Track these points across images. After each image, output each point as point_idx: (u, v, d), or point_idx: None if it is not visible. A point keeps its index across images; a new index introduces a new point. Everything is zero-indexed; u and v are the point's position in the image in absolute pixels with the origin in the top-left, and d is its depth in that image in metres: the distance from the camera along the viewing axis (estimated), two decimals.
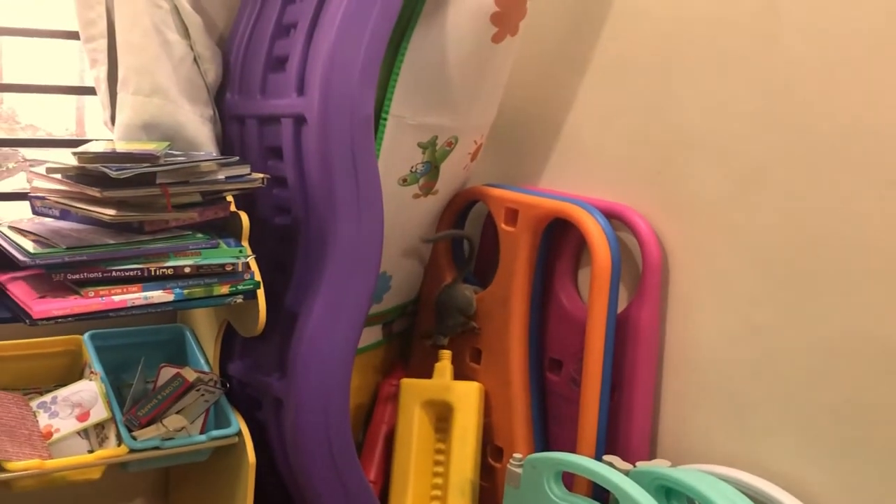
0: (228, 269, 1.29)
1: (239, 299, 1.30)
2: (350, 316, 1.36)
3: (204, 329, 1.52)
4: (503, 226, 1.52)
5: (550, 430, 1.54)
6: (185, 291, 1.25)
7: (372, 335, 1.64)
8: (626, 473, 1.24)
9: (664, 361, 1.40)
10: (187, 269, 1.26)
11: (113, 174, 1.18)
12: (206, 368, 1.45)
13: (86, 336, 1.45)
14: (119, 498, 1.69)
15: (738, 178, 1.28)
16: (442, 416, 1.56)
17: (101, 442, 1.34)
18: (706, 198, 1.33)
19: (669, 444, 1.39)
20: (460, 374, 1.58)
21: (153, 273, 1.23)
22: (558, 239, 1.52)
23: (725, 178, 1.30)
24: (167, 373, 1.38)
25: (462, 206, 1.63)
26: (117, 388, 1.41)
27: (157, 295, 1.23)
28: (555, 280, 1.53)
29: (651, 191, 1.41)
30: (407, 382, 1.58)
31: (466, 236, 1.64)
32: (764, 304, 1.26)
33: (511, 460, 1.36)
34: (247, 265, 1.31)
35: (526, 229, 1.48)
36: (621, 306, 1.41)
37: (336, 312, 1.35)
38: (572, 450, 1.39)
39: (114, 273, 1.21)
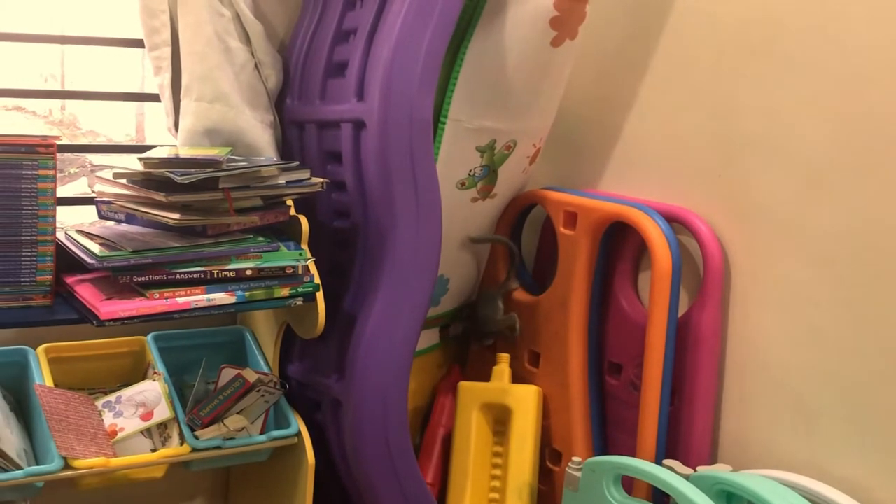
0: (289, 271, 1.30)
1: (299, 301, 1.32)
2: (408, 319, 1.36)
3: (264, 331, 1.53)
4: (562, 229, 1.52)
5: (609, 435, 1.53)
6: (247, 294, 1.27)
7: (429, 338, 1.65)
8: (687, 478, 1.23)
9: (725, 365, 1.38)
10: (249, 272, 1.28)
11: (178, 179, 1.20)
12: (265, 370, 1.46)
13: (149, 337, 1.48)
14: (180, 497, 1.71)
15: (801, 179, 1.26)
16: (500, 420, 1.56)
17: (164, 441, 1.36)
18: (768, 200, 1.31)
19: (731, 449, 1.38)
20: (518, 377, 1.58)
21: (216, 275, 1.26)
22: (618, 242, 1.51)
23: (788, 180, 1.28)
24: (228, 374, 1.40)
25: (520, 209, 1.63)
26: (179, 388, 1.43)
27: (220, 297, 1.25)
28: (614, 283, 1.52)
29: (712, 193, 1.39)
30: (464, 385, 1.58)
31: (507, 242, 1.62)
32: (828, 308, 1.24)
33: (570, 464, 1.36)
34: (306, 268, 1.32)
35: (585, 233, 1.47)
36: (682, 310, 1.40)
37: (395, 315, 1.35)
38: (632, 454, 1.38)
39: (178, 275, 1.23)
